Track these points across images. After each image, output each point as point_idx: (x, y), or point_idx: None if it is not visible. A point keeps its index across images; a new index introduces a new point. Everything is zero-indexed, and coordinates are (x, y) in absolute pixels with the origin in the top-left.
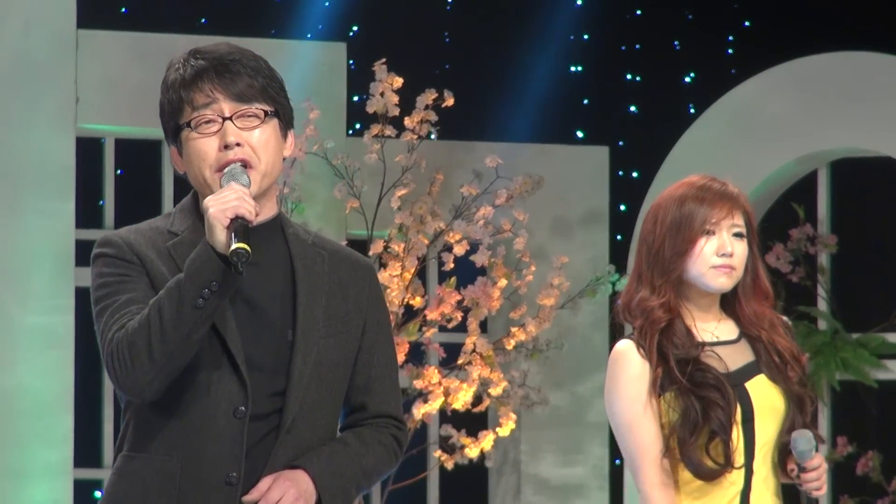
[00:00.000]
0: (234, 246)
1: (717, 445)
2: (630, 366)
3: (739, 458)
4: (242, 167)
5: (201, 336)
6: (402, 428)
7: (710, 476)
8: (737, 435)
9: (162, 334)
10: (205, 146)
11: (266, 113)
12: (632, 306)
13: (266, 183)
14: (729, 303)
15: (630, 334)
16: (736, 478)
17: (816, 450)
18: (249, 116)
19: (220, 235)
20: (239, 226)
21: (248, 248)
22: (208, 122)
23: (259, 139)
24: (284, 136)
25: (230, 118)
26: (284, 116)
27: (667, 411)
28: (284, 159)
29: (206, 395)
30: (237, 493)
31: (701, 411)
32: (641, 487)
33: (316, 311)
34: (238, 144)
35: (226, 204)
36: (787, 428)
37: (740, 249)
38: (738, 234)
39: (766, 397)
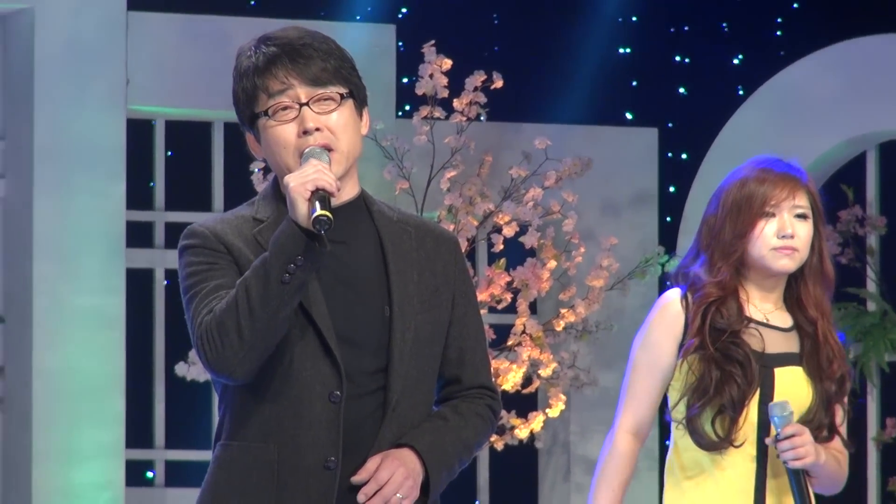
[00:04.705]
0: (316, 213)
1: (725, 420)
2: (668, 315)
3: (744, 436)
4: (322, 148)
5: (289, 313)
6: (496, 397)
7: (708, 447)
8: (745, 415)
9: (250, 312)
10: (284, 133)
11: (342, 95)
12: (684, 275)
13: (348, 163)
14: (793, 287)
15: (683, 285)
16: (749, 458)
17: (790, 420)
18: (326, 100)
19: (302, 209)
20: (320, 197)
21: (329, 216)
22: (285, 108)
23: (337, 122)
24: (360, 115)
25: (307, 104)
26: (359, 96)
27: (686, 374)
28: (364, 137)
29: (300, 381)
30: (336, 477)
31: (716, 382)
32: (613, 427)
33: (409, 286)
34: (317, 129)
35: (305, 178)
36: (808, 421)
37: (803, 230)
38: (800, 216)
39: (792, 388)
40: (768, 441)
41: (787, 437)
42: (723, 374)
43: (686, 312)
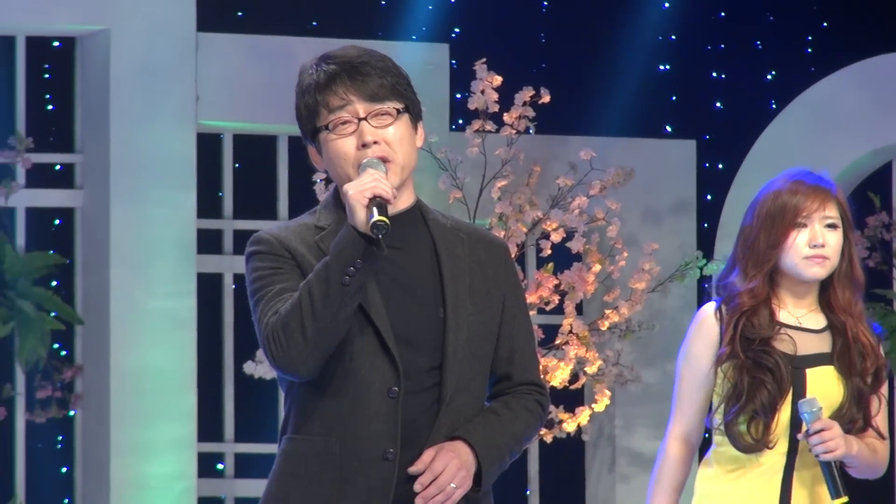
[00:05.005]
0: (374, 219)
1: (758, 424)
2: (703, 328)
3: (777, 437)
4: (379, 160)
5: (349, 314)
6: (544, 393)
7: (745, 450)
8: (778, 417)
9: (313, 313)
10: (344, 146)
11: (398, 110)
12: (721, 287)
13: (405, 174)
14: (825, 290)
15: (718, 298)
16: (780, 454)
17: (819, 416)
18: (383, 115)
19: (360, 215)
20: (377, 203)
21: (386, 221)
22: (345, 123)
23: (394, 135)
24: (416, 129)
25: (365, 118)
26: (414, 110)
27: (722, 381)
28: (419, 149)
29: (360, 378)
30: (394, 468)
31: (748, 389)
32: (665, 433)
33: (462, 289)
34: (375, 142)
35: (363, 186)
36: (840, 416)
37: (833, 240)
38: (830, 225)
39: (823, 387)
40: (800, 436)
41: (816, 432)
42: (754, 380)
43: (720, 323)
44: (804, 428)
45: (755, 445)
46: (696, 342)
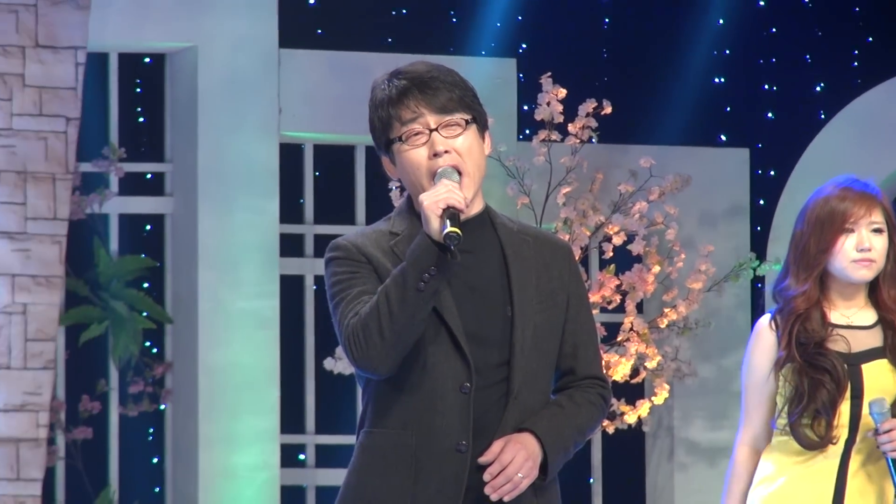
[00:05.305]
0: (447, 230)
1: (821, 422)
2: (761, 339)
3: (841, 433)
4: (452, 168)
5: (424, 316)
6: (606, 386)
7: (810, 447)
8: (839, 413)
9: (390, 316)
10: (417, 157)
11: (466, 121)
12: (777, 292)
13: (476, 185)
14: (873, 290)
15: (773, 309)
16: (837, 448)
17: (889, 416)
18: (452, 126)
19: (434, 224)
20: (450, 214)
21: (459, 232)
22: (417, 134)
23: (463, 145)
24: (483, 138)
25: (436, 129)
26: (481, 121)
27: (783, 385)
28: (488, 157)
29: (434, 374)
30: (467, 459)
31: (808, 390)
32: (735, 439)
33: (528, 289)
34: (447, 152)
35: (438, 196)
36: None
37: (879, 243)
38: (876, 230)
39: (879, 380)
40: (869, 434)
41: (885, 432)
42: (812, 381)
43: (776, 331)
44: (872, 426)
45: (820, 443)
46: (755, 352)
